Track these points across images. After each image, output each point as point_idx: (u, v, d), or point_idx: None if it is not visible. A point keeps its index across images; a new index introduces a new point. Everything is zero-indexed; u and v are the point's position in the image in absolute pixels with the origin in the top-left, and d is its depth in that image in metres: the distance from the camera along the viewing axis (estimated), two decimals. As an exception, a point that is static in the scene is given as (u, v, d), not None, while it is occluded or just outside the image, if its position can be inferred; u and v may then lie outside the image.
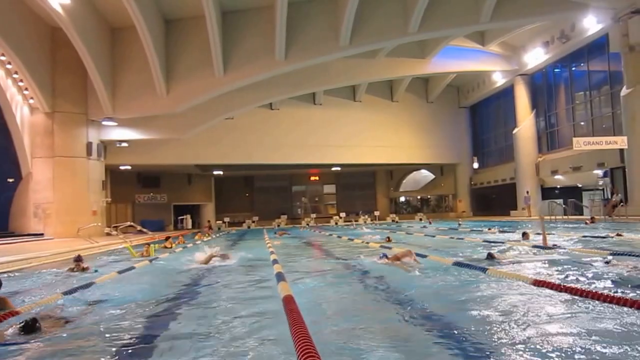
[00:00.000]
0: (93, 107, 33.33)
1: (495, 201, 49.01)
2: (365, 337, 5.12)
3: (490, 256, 11.03)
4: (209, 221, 48.73)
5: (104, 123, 34.16)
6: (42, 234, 31.39)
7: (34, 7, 28.56)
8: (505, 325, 5.35)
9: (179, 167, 47.33)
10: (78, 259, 12.84)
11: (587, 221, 23.44)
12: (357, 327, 5.52)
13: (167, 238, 21.12)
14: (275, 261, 11.90)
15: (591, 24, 32.73)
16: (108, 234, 30.46)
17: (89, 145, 34.14)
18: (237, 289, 8.80)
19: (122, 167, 43.06)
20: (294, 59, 32.18)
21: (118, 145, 37.12)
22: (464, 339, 5.02)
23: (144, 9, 27.43)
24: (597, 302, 5.95)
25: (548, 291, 6.88)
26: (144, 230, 28.19)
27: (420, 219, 49.85)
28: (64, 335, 5.66)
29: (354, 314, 6.27)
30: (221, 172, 51.56)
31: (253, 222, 50.41)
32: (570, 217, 33.50)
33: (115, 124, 34.56)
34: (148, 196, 50.42)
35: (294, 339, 4.24)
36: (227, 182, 55.79)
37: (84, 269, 12.30)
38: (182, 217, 49.34)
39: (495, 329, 5.26)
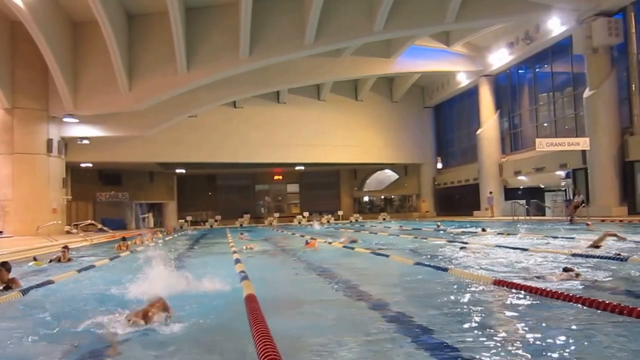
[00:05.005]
0: (54, 104, 32.78)
1: (459, 201, 49.28)
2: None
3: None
4: (147, 216, 48.14)
5: (65, 120, 33.66)
6: (0, 232, 30.81)
7: (-7, 0, 27.92)
8: (464, 323, 5.43)
9: (141, 165, 46.81)
10: (65, 247, 14.13)
11: (588, 223, 23.61)
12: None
13: (124, 238, 20.17)
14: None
15: (555, 26, 32.99)
16: (68, 232, 30.08)
17: (49, 142, 33.57)
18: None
19: (83, 165, 42.42)
20: (259, 56, 31.96)
21: (79, 142, 36.59)
22: (422, 333, 5.15)
23: (106, 3, 26.91)
24: (559, 301, 6.08)
25: (509, 290, 7.05)
26: (105, 228, 27.79)
27: (384, 219, 49.98)
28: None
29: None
30: (184, 171, 51.14)
31: (216, 221, 50.05)
32: (532, 217, 33.79)
33: (77, 120, 34.09)
34: (109, 194, 49.73)
35: (254, 337, 4.27)
36: (189, 181, 55.40)
37: (68, 260, 13.60)
38: (144, 215, 48.78)
39: (453, 325, 5.37)
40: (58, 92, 31.38)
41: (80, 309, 6.88)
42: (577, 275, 8.07)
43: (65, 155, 36.23)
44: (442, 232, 24.16)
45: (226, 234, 29.08)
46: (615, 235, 10.97)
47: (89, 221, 30.85)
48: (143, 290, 7.28)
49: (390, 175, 60.11)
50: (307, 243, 17.19)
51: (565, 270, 8.36)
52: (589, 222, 23.72)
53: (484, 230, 22.15)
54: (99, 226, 27.63)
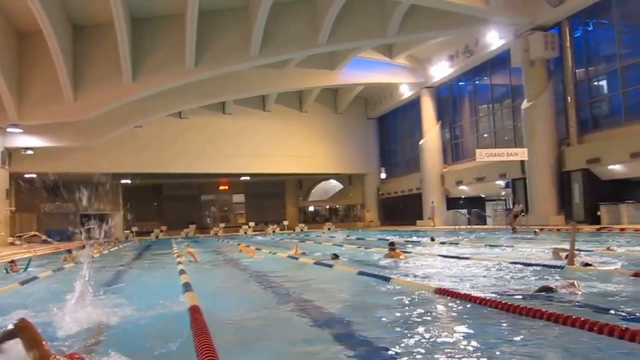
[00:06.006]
0: (-3, 113, 32.08)
1: (403, 211, 49.77)
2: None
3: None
4: (92, 227, 47.15)
5: (9, 130, 32.99)
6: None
7: None
8: (401, 331, 5.52)
9: (87, 176, 46.00)
10: (12, 262, 14.43)
11: (537, 230, 24.00)
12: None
13: (69, 250, 20.46)
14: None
15: (494, 40, 33.79)
16: (12, 244, 29.42)
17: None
18: None
19: (27, 175, 41.44)
20: (204, 68, 31.99)
21: (23, 152, 35.97)
22: (359, 341, 5.21)
23: (51, 14, 26.47)
24: (501, 311, 6.08)
25: (450, 299, 7.10)
26: (49, 240, 27.33)
27: (329, 229, 50.23)
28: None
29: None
30: (129, 181, 50.56)
31: (161, 231, 49.60)
32: (474, 226, 34.38)
33: (21, 131, 33.42)
34: (54, 205, 48.76)
35: (197, 349, 4.27)
36: (135, 191, 54.39)
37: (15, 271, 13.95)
38: (89, 226, 47.74)
39: (391, 333, 5.42)
40: (2, 101, 30.78)
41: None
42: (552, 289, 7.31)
43: (9, 165, 35.51)
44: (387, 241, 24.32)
45: (172, 245, 28.82)
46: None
47: (33, 232, 30.31)
48: (83, 307, 6.99)
49: (335, 185, 60.47)
50: (246, 251, 17.92)
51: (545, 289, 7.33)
52: (537, 230, 24.18)
53: (432, 239, 22.28)
54: (43, 237, 27.14)
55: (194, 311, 6.20)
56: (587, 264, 9.75)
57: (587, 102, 29.77)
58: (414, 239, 24.64)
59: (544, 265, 10.33)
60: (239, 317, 6.85)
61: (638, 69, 26.98)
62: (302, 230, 51.25)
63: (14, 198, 40.06)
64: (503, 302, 6.28)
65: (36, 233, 29.30)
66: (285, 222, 53.70)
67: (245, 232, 49.43)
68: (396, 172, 52.81)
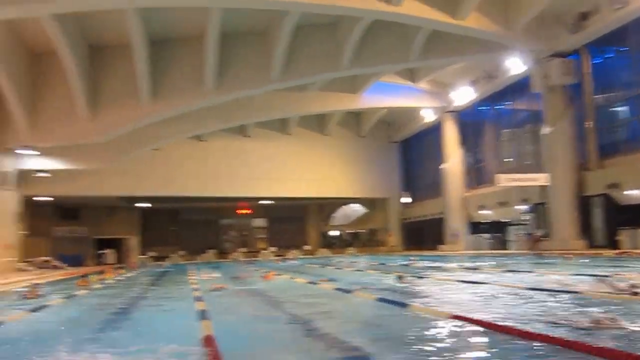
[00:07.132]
0: (10, 135, 31.95)
1: (425, 235, 49.58)
2: None
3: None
4: (106, 252, 46.63)
5: (20, 152, 32.67)
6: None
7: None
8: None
9: (101, 199, 45.96)
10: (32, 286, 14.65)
11: (570, 255, 23.54)
12: None
13: (84, 275, 20.51)
14: None
15: (514, 65, 33.72)
16: (21, 270, 29.40)
17: (3, 175, 33.10)
18: None
19: (40, 198, 41.62)
20: (224, 90, 32.11)
21: (36, 174, 36.14)
22: None
23: (67, 34, 26.22)
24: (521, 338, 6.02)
25: (468, 325, 7.08)
26: (59, 265, 27.30)
27: (351, 253, 50.09)
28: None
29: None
30: (149, 205, 50.62)
31: (180, 256, 49.42)
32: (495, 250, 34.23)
33: (33, 152, 33.10)
34: (67, 229, 48.85)
35: None
36: (151, 215, 54.61)
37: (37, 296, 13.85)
38: (102, 251, 47.19)
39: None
40: (14, 123, 30.74)
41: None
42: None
43: (23, 188, 35.75)
44: (409, 266, 24.05)
45: (193, 271, 27.96)
46: None
47: (43, 258, 30.22)
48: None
49: (356, 209, 60.33)
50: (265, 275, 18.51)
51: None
52: (570, 255, 23.78)
53: (461, 266, 21.92)
54: (54, 263, 27.18)
55: (209, 342, 6.10)
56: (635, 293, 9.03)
57: (607, 128, 29.83)
58: (437, 264, 24.44)
59: (566, 292, 10.11)
60: (256, 348, 6.73)
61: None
62: (324, 254, 50.95)
63: (27, 222, 39.97)
64: (520, 329, 6.26)
65: (47, 258, 29.29)
66: (307, 247, 53.61)
67: (266, 257, 49.19)
68: (419, 197, 52.58)
